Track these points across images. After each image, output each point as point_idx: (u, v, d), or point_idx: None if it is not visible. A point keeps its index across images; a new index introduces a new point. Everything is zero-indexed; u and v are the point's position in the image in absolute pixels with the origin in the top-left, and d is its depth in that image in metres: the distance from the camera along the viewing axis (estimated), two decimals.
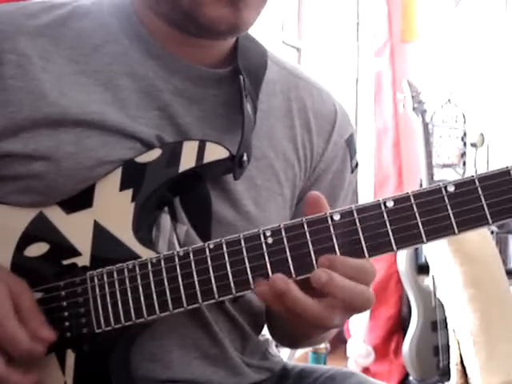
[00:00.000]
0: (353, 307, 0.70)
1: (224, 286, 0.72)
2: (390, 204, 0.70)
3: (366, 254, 0.70)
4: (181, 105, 0.83)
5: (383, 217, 0.70)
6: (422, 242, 0.69)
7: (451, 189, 0.69)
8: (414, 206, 0.70)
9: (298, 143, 0.90)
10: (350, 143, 0.95)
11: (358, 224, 0.70)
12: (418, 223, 0.69)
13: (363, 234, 0.70)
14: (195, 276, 0.73)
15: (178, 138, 0.81)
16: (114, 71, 0.82)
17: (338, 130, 0.94)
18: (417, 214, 0.69)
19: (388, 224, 0.70)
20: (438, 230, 0.69)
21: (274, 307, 0.71)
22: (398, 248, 0.70)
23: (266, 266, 0.71)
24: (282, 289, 0.68)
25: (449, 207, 0.69)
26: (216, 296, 0.72)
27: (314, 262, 0.70)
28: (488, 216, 0.68)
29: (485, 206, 0.68)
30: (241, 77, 0.83)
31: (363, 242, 0.70)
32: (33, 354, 0.72)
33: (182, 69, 0.84)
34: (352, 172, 0.96)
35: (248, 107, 0.82)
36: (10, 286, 0.74)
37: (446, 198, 0.69)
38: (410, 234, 0.70)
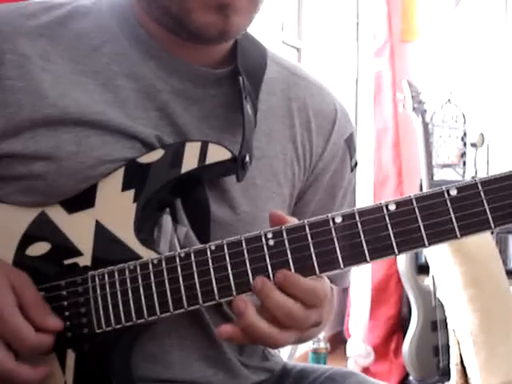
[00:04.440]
0: (295, 326, 0.71)
1: (225, 287, 0.72)
2: (392, 207, 0.69)
3: (368, 258, 0.70)
4: (180, 105, 0.83)
5: (385, 220, 0.69)
6: (424, 245, 0.69)
7: (453, 192, 0.69)
8: (416, 210, 0.69)
9: (298, 143, 0.90)
10: (349, 142, 0.95)
11: (359, 227, 0.70)
12: (419, 227, 0.69)
13: (364, 237, 0.70)
14: (196, 277, 0.73)
15: (177, 139, 0.81)
16: (113, 71, 0.82)
17: (337, 129, 0.93)
18: (419, 218, 0.69)
19: (390, 227, 0.69)
20: (440, 234, 0.69)
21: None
22: (399, 252, 0.69)
23: (267, 267, 0.71)
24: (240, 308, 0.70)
25: (451, 211, 0.68)
26: (217, 297, 0.72)
27: (316, 264, 0.70)
28: (491, 220, 0.68)
29: (487, 210, 0.68)
30: (240, 78, 0.83)
31: (364, 245, 0.70)
32: (40, 347, 0.72)
33: (181, 69, 0.84)
34: (351, 171, 0.96)
35: (248, 108, 0.82)
36: (11, 280, 0.74)
37: (448, 201, 0.69)
38: (412, 237, 0.69)
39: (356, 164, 0.97)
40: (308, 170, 0.92)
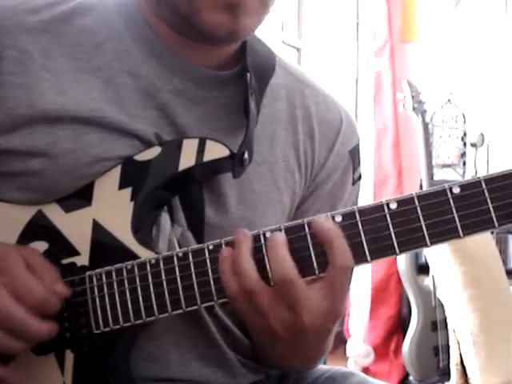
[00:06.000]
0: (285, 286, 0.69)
1: (223, 288, 0.71)
2: (393, 206, 0.69)
3: (368, 258, 0.69)
4: (181, 105, 0.83)
5: (386, 219, 0.69)
6: (426, 245, 0.68)
7: (456, 190, 0.68)
8: (418, 209, 0.68)
9: (301, 150, 0.89)
10: (354, 154, 0.93)
11: (360, 226, 0.69)
12: (421, 226, 0.68)
13: (365, 237, 0.69)
14: (194, 278, 0.72)
15: (177, 138, 0.81)
16: (115, 68, 0.82)
17: (341, 139, 0.92)
18: (421, 217, 0.68)
19: (391, 227, 0.68)
20: (443, 233, 0.68)
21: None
22: (401, 251, 0.69)
23: (266, 267, 0.70)
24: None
25: (454, 210, 0.67)
26: (215, 298, 0.72)
27: (315, 264, 0.70)
28: (494, 219, 0.67)
29: (491, 208, 0.67)
30: (248, 74, 0.82)
31: (365, 245, 0.69)
32: (48, 304, 0.72)
33: (183, 70, 0.83)
34: (353, 184, 0.94)
35: (252, 106, 0.82)
36: (19, 248, 0.74)
37: (451, 200, 0.68)
38: (414, 237, 0.68)
39: (359, 177, 0.95)
40: (309, 178, 0.91)
